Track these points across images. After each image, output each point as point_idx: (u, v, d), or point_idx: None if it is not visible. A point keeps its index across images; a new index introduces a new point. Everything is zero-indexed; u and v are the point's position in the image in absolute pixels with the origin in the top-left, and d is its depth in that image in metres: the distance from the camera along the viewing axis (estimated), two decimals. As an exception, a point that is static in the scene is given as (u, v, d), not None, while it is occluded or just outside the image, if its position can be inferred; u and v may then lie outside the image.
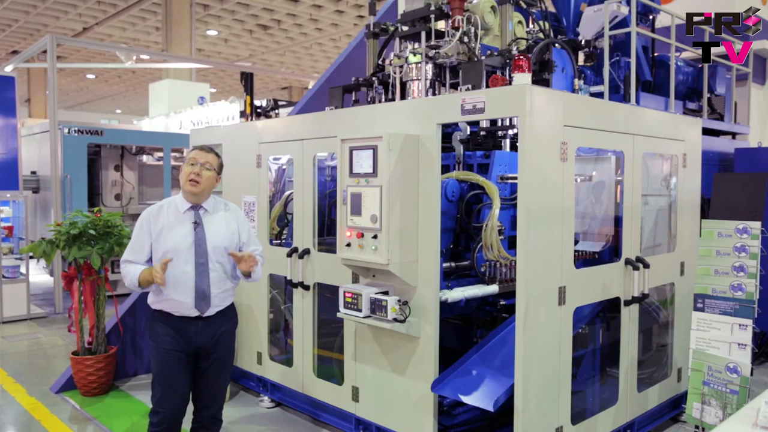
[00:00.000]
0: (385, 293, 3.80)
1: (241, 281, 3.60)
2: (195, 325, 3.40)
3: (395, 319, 3.67)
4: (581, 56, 5.09)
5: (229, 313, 3.57)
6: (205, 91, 14.36)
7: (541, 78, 4.38)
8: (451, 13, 4.60)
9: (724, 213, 4.81)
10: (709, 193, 5.36)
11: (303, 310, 4.67)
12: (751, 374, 3.57)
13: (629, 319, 4.15)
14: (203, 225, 3.43)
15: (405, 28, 4.83)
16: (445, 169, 4.13)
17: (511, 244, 4.09)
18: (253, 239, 3.65)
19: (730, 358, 3.61)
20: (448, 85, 4.58)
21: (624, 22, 5.22)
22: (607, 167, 4.57)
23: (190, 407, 3.56)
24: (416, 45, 4.72)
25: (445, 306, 3.79)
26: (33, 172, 9.62)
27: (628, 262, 4.09)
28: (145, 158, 10.95)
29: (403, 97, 4.69)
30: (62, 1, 17.75)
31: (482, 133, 4.44)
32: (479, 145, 4.48)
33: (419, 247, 3.76)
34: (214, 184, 3.48)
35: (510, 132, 4.42)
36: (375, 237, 3.66)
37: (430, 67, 4.52)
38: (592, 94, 4.96)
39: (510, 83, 3.84)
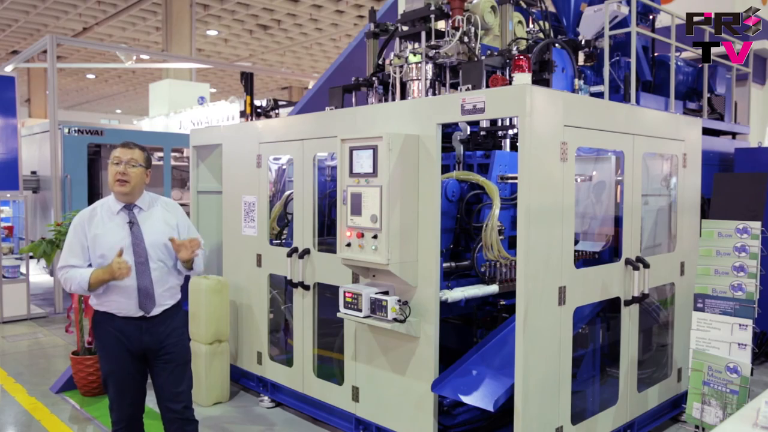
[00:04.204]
0: (385, 293, 3.80)
1: (184, 274, 3.49)
2: (139, 325, 3.30)
3: (395, 319, 3.67)
4: (581, 56, 5.08)
5: (176, 312, 3.46)
6: (205, 91, 14.36)
7: (541, 78, 4.38)
8: (451, 13, 4.60)
9: (724, 213, 4.80)
10: (709, 193, 5.36)
11: (303, 310, 4.67)
12: (751, 374, 3.56)
13: (629, 319, 4.14)
14: (139, 223, 3.33)
15: (405, 28, 4.83)
16: (445, 169, 4.13)
17: (511, 244, 4.09)
18: (192, 232, 3.53)
19: (730, 358, 3.61)
20: (448, 85, 4.57)
21: (624, 22, 5.22)
22: (607, 167, 4.57)
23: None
24: (416, 45, 4.72)
25: (445, 306, 3.79)
26: (33, 172, 9.62)
27: (628, 262, 4.09)
28: (145, 158, 10.94)
29: (403, 97, 4.69)
30: (62, 1, 17.75)
31: (482, 133, 4.44)
32: (479, 145, 4.48)
33: (419, 247, 3.76)
34: (144, 180, 3.37)
35: (510, 132, 4.42)
36: (375, 237, 3.66)
37: (430, 67, 4.52)
38: (592, 94, 4.96)
39: (510, 83, 3.84)
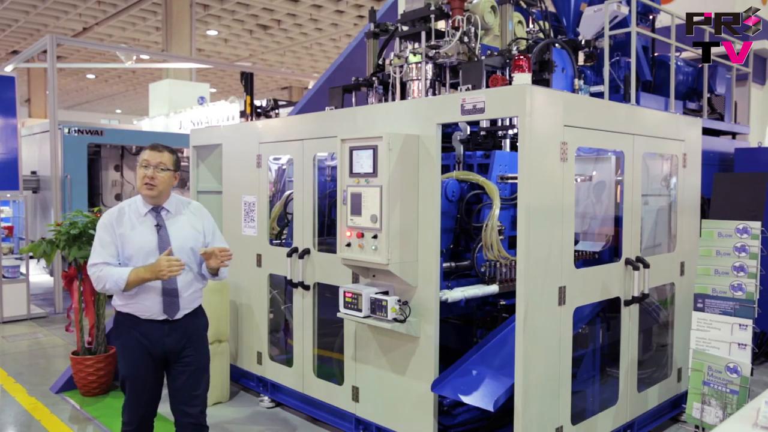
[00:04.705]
0: (385, 293, 3.80)
1: (209, 281, 3.49)
2: (162, 328, 3.27)
3: (395, 319, 3.67)
4: (581, 56, 5.09)
5: (198, 315, 3.44)
6: (205, 91, 14.36)
7: (541, 78, 4.38)
8: (451, 13, 4.60)
9: (724, 213, 4.80)
10: (709, 193, 5.36)
11: (303, 310, 4.67)
12: (751, 374, 3.56)
13: (629, 319, 4.14)
14: (166, 226, 3.31)
15: (405, 28, 4.83)
16: (445, 169, 4.13)
17: (511, 244, 4.09)
18: (218, 237, 3.51)
19: (730, 358, 3.61)
20: (448, 85, 4.57)
21: (624, 22, 5.22)
22: (607, 167, 4.57)
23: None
24: (416, 45, 4.72)
25: (445, 306, 3.79)
26: (33, 172, 9.62)
27: (628, 262, 4.09)
28: (145, 158, 10.95)
29: (403, 97, 4.69)
30: (62, 1, 17.76)
31: (482, 133, 4.44)
32: (479, 145, 4.48)
33: (419, 247, 3.76)
34: (172, 183, 3.35)
35: (510, 132, 4.42)
36: (375, 237, 3.66)
37: (430, 67, 4.52)
38: (592, 94, 4.96)
39: (510, 83, 3.84)
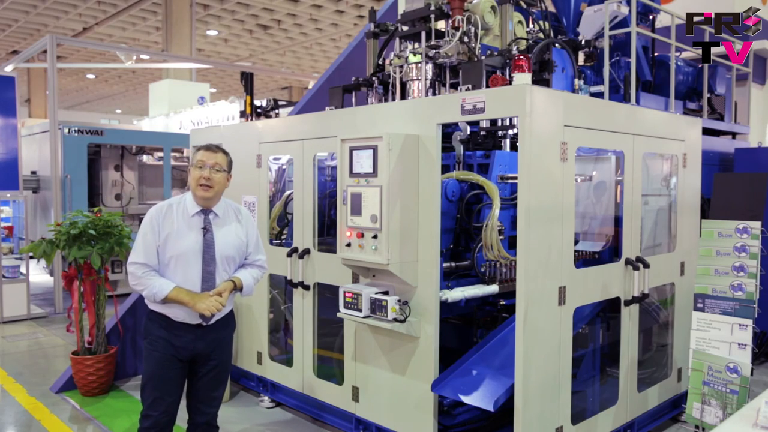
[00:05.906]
0: (385, 293, 3.80)
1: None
2: (194, 332, 3.25)
3: (395, 319, 3.67)
4: (581, 56, 5.09)
5: (229, 320, 3.44)
6: (205, 91, 14.36)
7: (541, 78, 4.39)
8: (451, 13, 4.60)
9: (724, 213, 4.81)
10: (709, 193, 5.37)
11: (303, 310, 4.67)
12: (751, 374, 3.56)
13: (629, 319, 4.15)
14: (213, 231, 3.26)
15: (405, 28, 4.83)
16: (445, 169, 4.13)
17: (511, 244, 4.09)
18: (259, 248, 3.51)
19: (730, 358, 3.61)
20: (448, 85, 4.58)
21: (624, 22, 5.22)
22: (607, 167, 4.57)
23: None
24: (416, 45, 4.72)
25: (445, 306, 3.79)
26: (33, 172, 9.62)
27: (628, 262, 4.09)
28: (145, 158, 10.95)
29: (403, 97, 4.69)
30: (62, 1, 17.76)
31: (482, 133, 4.44)
32: (479, 145, 4.48)
33: (419, 247, 3.76)
34: (225, 185, 3.31)
35: (510, 132, 4.42)
36: (375, 237, 3.66)
37: (430, 67, 4.52)
38: (592, 94, 4.96)
39: (510, 83, 3.84)
